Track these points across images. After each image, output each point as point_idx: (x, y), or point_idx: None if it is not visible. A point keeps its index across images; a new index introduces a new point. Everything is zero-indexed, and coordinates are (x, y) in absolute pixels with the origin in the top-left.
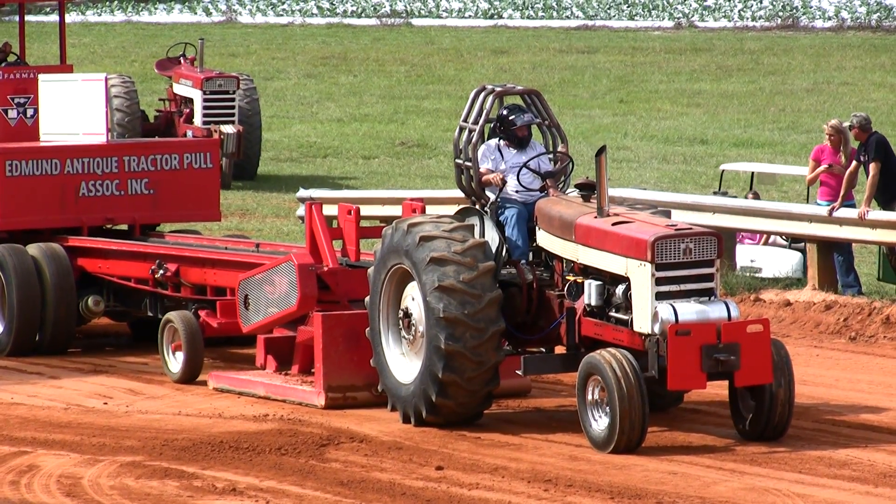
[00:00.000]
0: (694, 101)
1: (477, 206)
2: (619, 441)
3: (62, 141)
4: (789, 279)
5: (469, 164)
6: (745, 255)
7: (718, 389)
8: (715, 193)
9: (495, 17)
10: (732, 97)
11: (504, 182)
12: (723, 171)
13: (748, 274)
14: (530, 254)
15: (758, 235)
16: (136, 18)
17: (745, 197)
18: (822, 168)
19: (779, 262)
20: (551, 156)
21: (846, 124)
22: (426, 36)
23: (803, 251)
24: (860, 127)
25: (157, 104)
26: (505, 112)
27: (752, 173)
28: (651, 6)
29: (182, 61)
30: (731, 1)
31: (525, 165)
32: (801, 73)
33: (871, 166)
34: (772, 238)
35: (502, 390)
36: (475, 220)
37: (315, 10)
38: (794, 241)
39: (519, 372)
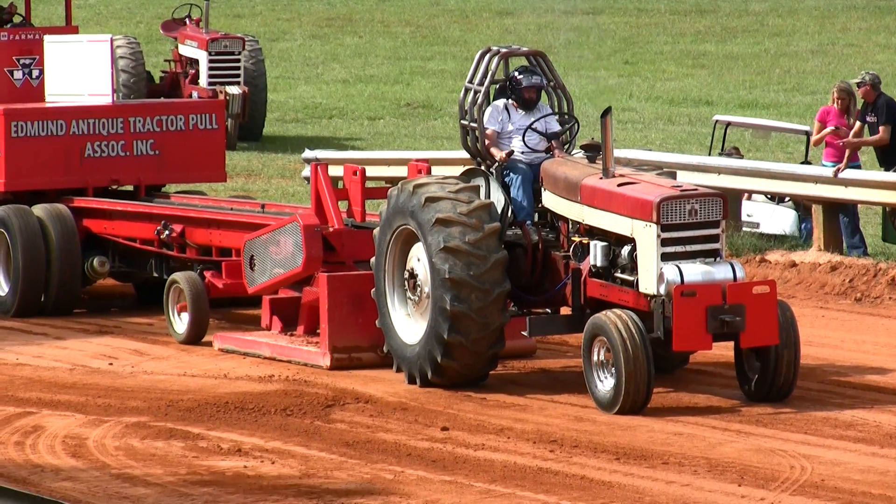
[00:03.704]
0: (699, 62)
1: (482, 168)
2: (624, 402)
3: (68, 102)
4: (791, 238)
5: (474, 125)
6: (743, 210)
7: (724, 351)
8: (720, 154)
9: None
10: (737, 59)
11: (510, 155)
12: (716, 121)
13: (748, 230)
14: (536, 215)
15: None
16: None
17: (722, 152)
18: (828, 130)
19: (776, 219)
20: (557, 117)
21: (856, 81)
22: None
23: (796, 209)
24: (872, 84)
25: (163, 65)
26: (516, 73)
27: (725, 128)
28: None
29: (187, 22)
30: None
31: (531, 127)
32: (805, 34)
33: (882, 129)
34: (753, 196)
35: (507, 351)
36: (481, 182)
37: None
38: (780, 199)
39: (524, 333)
